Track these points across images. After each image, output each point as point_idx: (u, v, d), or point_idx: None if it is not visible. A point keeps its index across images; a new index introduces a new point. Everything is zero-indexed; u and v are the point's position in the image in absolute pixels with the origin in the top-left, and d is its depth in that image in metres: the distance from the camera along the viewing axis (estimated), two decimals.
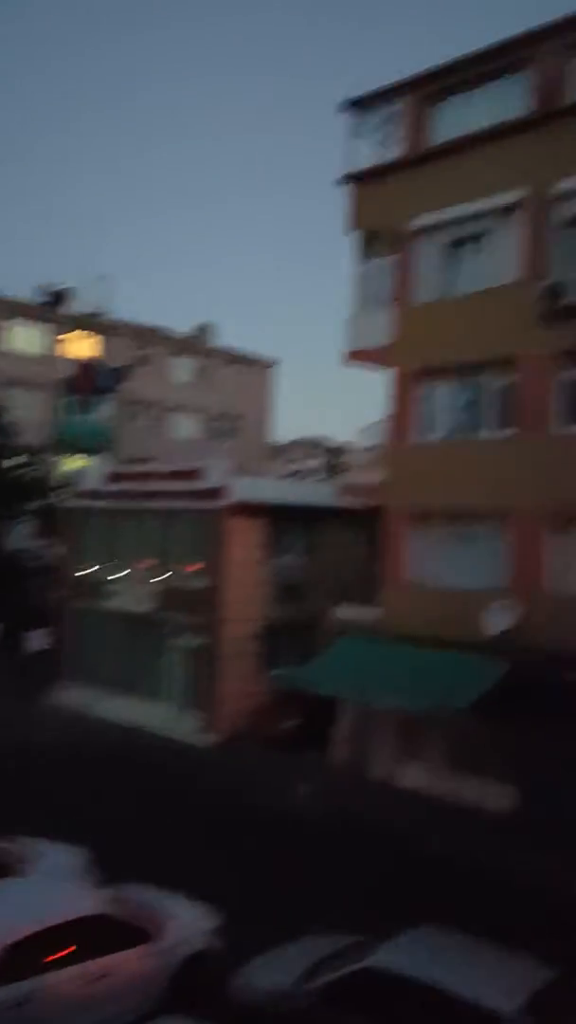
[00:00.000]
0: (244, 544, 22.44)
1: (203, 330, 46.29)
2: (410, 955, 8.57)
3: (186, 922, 9.95)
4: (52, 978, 8.44)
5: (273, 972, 9.24)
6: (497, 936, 9.36)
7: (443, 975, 8.09)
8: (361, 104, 20.25)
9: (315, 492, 26.68)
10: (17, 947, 8.31)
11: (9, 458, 32.16)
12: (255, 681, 22.22)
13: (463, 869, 13.71)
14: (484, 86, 18.61)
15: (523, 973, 8.39)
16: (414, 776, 18.05)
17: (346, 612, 19.40)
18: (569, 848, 13.74)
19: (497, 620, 16.24)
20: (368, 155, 20.42)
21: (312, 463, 46.38)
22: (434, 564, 18.15)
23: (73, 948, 8.67)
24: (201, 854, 13.64)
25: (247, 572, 22.37)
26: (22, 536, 33.77)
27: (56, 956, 8.55)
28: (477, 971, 8.33)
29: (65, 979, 8.52)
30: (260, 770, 19.10)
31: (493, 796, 16.51)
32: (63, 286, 42.07)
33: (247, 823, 15.47)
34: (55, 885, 10.12)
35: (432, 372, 18.67)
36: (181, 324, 46.98)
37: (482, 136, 17.98)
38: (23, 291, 40.61)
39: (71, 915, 8.90)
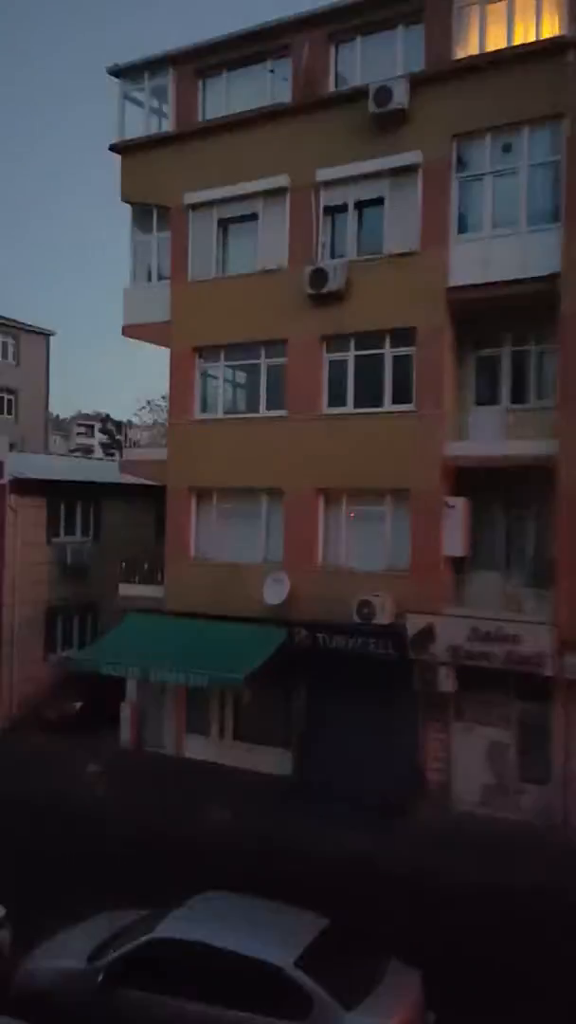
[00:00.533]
0: (25, 523, 21.87)
1: None
2: (194, 921, 8.99)
3: None
4: None
5: (60, 954, 9.36)
6: (276, 894, 10.00)
7: (225, 937, 8.57)
8: (130, 72, 19.86)
9: (100, 469, 26.36)
10: None
11: None
12: (40, 664, 21.96)
13: (241, 834, 14.30)
14: (250, 68, 18.84)
15: (300, 927, 9.04)
16: (200, 748, 18.80)
17: (131, 590, 19.56)
18: (335, 806, 14.91)
19: (273, 592, 17.18)
20: (139, 124, 20.14)
21: (96, 439, 45.41)
22: (216, 539, 18.75)
23: None
24: None
25: (29, 552, 21.87)
26: None
27: None
28: (258, 929, 8.89)
29: None
30: (45, 753, 18.94)
31: (273, 762, 17.63)
32: None
33: (29, 809, 15.28)
34: None
35: (209, 350, 19.03)
36: None
37: (249, 118, 18.25)
38: None
39: None
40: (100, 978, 8.71)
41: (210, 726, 18.97)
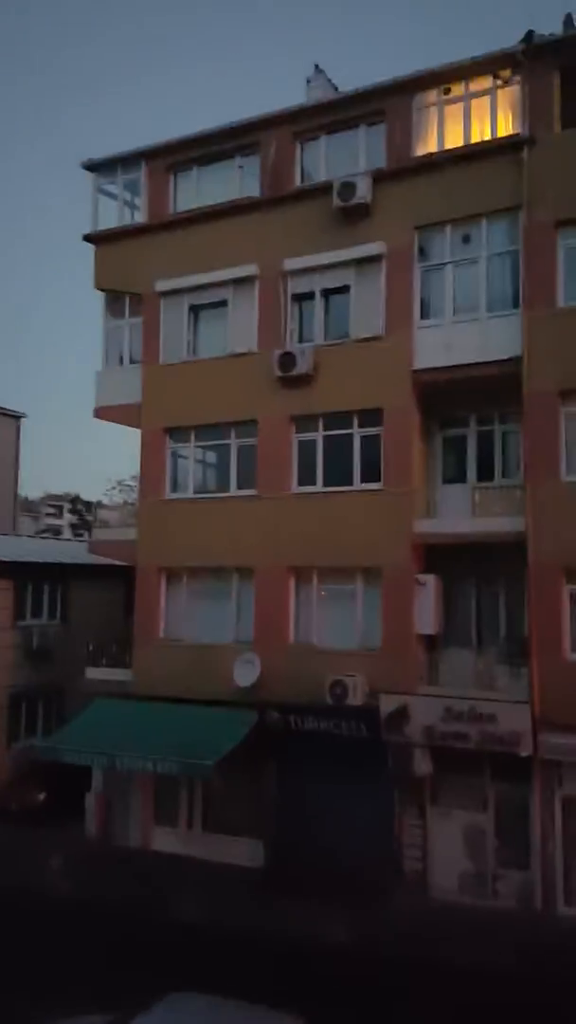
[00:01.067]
0: None
1: None
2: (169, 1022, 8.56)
3: None
4: None
5: None
6: (249, 993, 9.60)
7: None
8: (104, 167, 20.61)
9: (67, 550, 26.12)
10: None
11: None
12: (2, 753, 21.21)
13: (212, 931, 13.78)
14: (220, 163, 19.67)
15: None
16: (168, 840, 18.10)
17: (99, 673, 19.09)
18: (309, 897, 14.39)
19: (244, 673, 16.89)
20: (113, 216, 20.80)
21: (65, 520, 45.25)
22: (186, 620, 18.50)
23: None
24: None
25: None
26: None
27: None
28: None
29: None
30: (7, 847, 18.11)
31: (244, 853, 17.01)
32: None
33: None
34: None
35: (180, 431, 19.21)
36: None
37: (219, 211, 18.97)
38: None
39: None
40: None
41: (178, 817, 18.29)
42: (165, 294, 19.46)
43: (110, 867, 17.00)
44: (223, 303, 18.90)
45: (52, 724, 22.11)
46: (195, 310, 19.37)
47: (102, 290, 20.50)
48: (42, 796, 19.77)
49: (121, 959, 12.58)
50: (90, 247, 20.57)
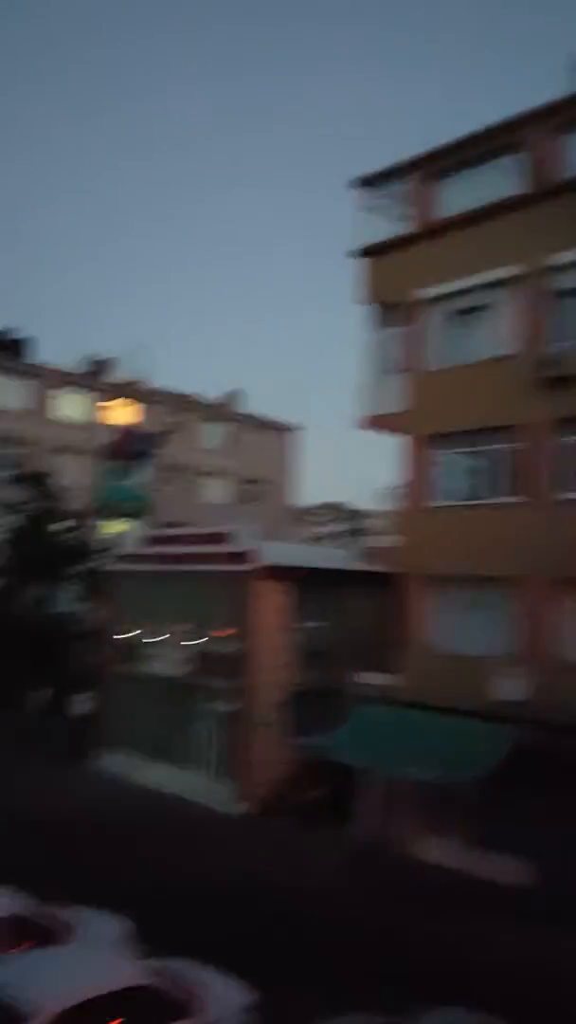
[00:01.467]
0: (272, 608, 22.90)
1: (232, 397, 47.65)
2: None
3: (224, 998, 10.00)
4: None
5: None
6: (513, 1016, 9.45)
7: None
8: (370, 181, 21.27)
9: (337, 556, 27.09)
10: (63, 1017, 8.41)
11: (54, 522, 33.44)
12: (283, 749, 22.43)
13: (474, 951, 13.67)
14: (484, 164, 19.43)
15: None
16: (435, 851, 18.01)
17: (367, 678, 19.64)
18: None
19: (508, 688, 16.44)
20: (378, 229, 21.38)
21: (334, 527, 46.96)
22: (449, 629, 18.46)
23: (118, 1018, 8.73)
24: (232, 928, 13.88)
25: (275, 637, 22.79)
26: (67, 600, 34.85)
27: None
28: None
29: None
30: (287, 844, 19.24)
31: (509, 872, 16.50)
32: (104, 356, 43.99)
33: (272, 899, 15.57)
34: (100, 955, 10.28)
35: (443, 438, 19.22)
36: (212, 391, 48.43)
37: (482, 212, 18.76)
38: (66, 360, 42.60)
39: (116, 986, 9.02)
40: None
41: (446, 829, 18.18)
42: (429, 301, 19.61)
43: (375, 877, 17.25)
44: (486, 306, 18.62)
45: (325, 724, 23.01)
46: (458, 315, 19.30)
47: (368, 303, 21.11)
48: (319, 794, 20.70)
49: (387, 966, 12.89)
50: (352, 261, 21.25)
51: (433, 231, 19.87)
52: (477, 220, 18.88)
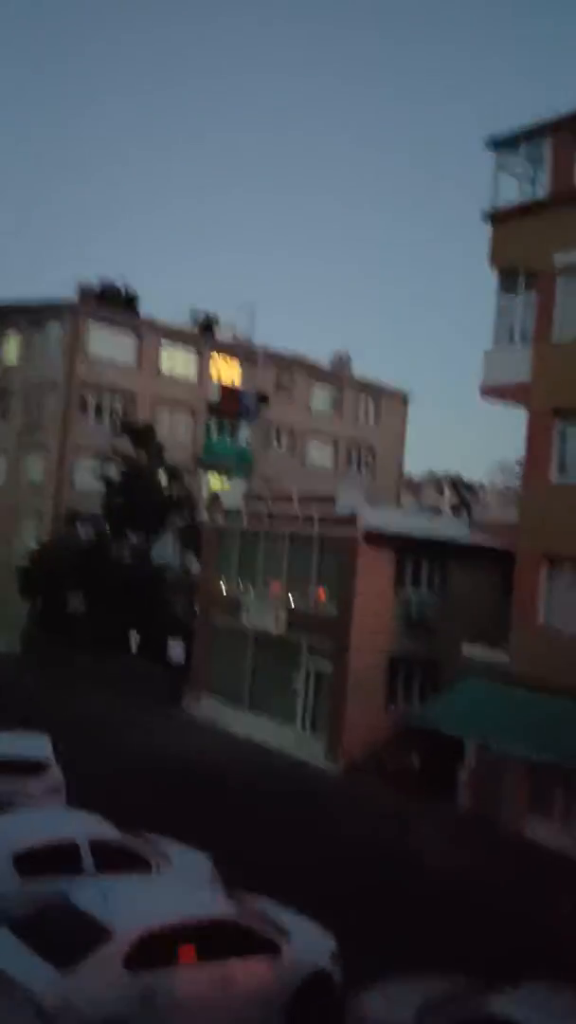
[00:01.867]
0: (374, 573, 22.80)
1: (340, 359, 47.18)
2: (532, 1008, 8.51)
3: (309, 940, 10.15)
4: (180, 974, 8.76)
5: (389, 1005, 9.32)
6: None
7: None
8: (506, 142, 20.51)
9: (448, 527, 26.69)
10: (149, 938, 8.66)
11: (158, 476, 34.12)
12: (380, 712, 22.47)
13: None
14: None
15: None
16: (542, 831, 17.72)
17: (474, 651, 19.36)
18: None
19: None
20: (512, 192, 20.66)
21: (445, 498, 46.16)
22: (568, 611, 17.92)
23: (203, 948, 8.96)
24: (326, 883, 13.94)
25: (376, 602, 22.70)
26: (167, 551, 35.66)
27: (186, 953, 8.86)
28: None
29: (193, 977, 8.83)
30: (382, 806, 19.25)
31: None
32: (212, 313, 44.18)
33: (370, 860, 15.63)
34: (188, 886, 10.56)
35: (571, 412, 18.55)
36: (320, 353, 47.98)
37: None
38: (175, 316, 42.99)
39: (204, 916, 9.26)
40: None
41: (554, 808, 17.81)
42: (563, 269, 18.84)
43: (478, 845, 17.21)
44: None
45: (425, 694, 22.96)
46: None
47: (498, 267, 20.47)
48: (417, 762, 20.65)
49: (482, 932, 12.83)
50: (484, 225, 20.61)
51: (571, 196, 19.01)
52: None
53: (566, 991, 9.17)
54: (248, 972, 9.30)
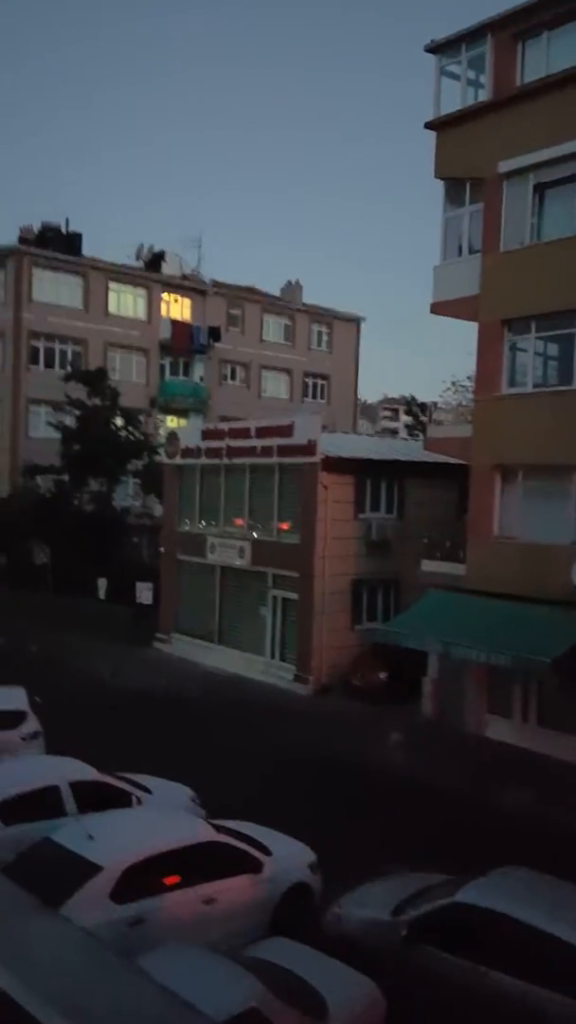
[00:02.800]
0: (334, 499, 22.91)
1: (291, 288, 46.38)
2: (500, 892, 8.89)
3: (288, 855, 10.52)
4: (166, 899, 9.06)
5: (365, 905, 9.74)
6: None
7: (534, 913, 8.39)
8: (447, 46, 19.83)
9: (403, 448, 26.81)
10: (134, 869, 8.94)
11: (113, 420, 33.57)
12: (346, 633, 22.93)
13: (546, 821, 14.00)
14: (570, 25, 17.88)
15: None
16: (502, 730, 18.44)
17: (433, 566, 19.68)
18: None
19: None
20: (455, 99, 20.06)
21: (401, 421, 46.26)
22: (521, 519, 18.18)
23: (186, 872, 9.27)
24: (296, 796, 14.39)
25: (337, 527, 22.88)
26: (127, 494, 35.37)
27: (170, 879, 9.18)
28: (568, 912, 8.58)
29: (178, 901, 9.13)
30: (351, 719, 19.86)
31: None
32: (158, 249, 42.93)
33: (337, 770, 16.16)
34: (168, 816, 10.81)
35: (519, 322, 18.46)
36: (270, 283, 47.17)
37: (571, 75, 17.37)
38: (120, 255, 41.71)
39: (184, 842, 9.52)
40: (403, 932, 8.96)
41: (513, 708, 18.54)
42: (509, 175, 18.49)
43: (443, 748, 17.89)
44: (573, 178, 17.47)
45: (390, 611, 23.40)
46: (541, 189, 18.19)
47: (443, 178, 20.03)
48: (383, 676, 21.20)
49: (453, 832, 13.30)
50: (430, 136, 20.09)
51: (514, 98, 18.52)
52: (562, 85, 17.48)
53: (530, 875, 9.56)
54: (231, 890, 9.63)
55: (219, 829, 10.29)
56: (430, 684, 19.91)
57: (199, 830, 10.06)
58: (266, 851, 10.33)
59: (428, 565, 19.96)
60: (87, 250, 40.30)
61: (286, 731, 18.78)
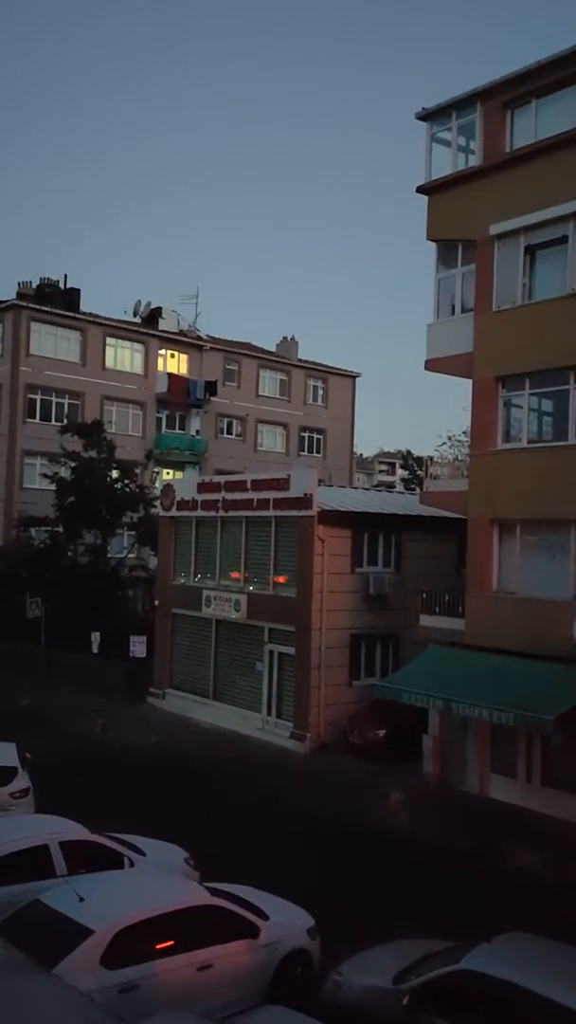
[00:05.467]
0: (331, 553, 22.87)
1: (287, 344, 47.08)
2: (503, 959, 8.64)
3: (286, 920, 10.24)
4: (159, 965, 8.77)
5: (366, 972, 9.44)
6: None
7: (541, 980, 8.14)
8: (438, 114, 20.51)
9: (400, 502, 26.88)
10: (126, 933, 8.68)
11: (109, 472, 33.65)
12: (344, 689, 22.65)
13: (551, 885, 13.71)
14: (560, 92, 18.54)
15: None
16: (506, 790, 18.10)
17: (432, 621, 19.56)
18: None
19: None
20: (446, 164, 20.67)
21: (397, 475, 46.63)
22: (520, 573, 18.16)
23: (180, 937, 8.99)
24: (295, 858, 14.08)
25: (334, 581, 22.79)
26: (122, 547, 35.27)
27: (164, 944, 8.89)
28: (572, 977, 8.35)
29: (172, 966, 8.83)
30: (350, 778, 19.46)
31: None
32: (155, 305, 43.66)
33: (337, 831, 15.79)
34: (162, 876, 10.54)
35: (513, 378, 18.72)
36: (266, 339, 47.93)
37: (559, 141, 17.94)
38: (118, 311, 42.40)
39: (178, 905, 9.27)
40: (406, 1000, 8.68)
41: (516, 767, 18.22)
42: (500, 237, 18.95)
43: (446, 808, 17.51)
44: (563, 239, 17.93)
45: (389, 666, 23.17)
46: (531, 251, 18.63)
47: (435, 240, 20.52)
48: (382, 733, 20.85)
49: (458, 892, 12.99)
50: (422, 199, 20.66)
51: (504, 163, 19.10)
52: (551, 150, 18.07)
53: (537, 941, 9.31)
54: (227, 956, 9.38)
55: (214, 892, 10.10)
56: (431, 742, 19.59)
57: (194, 893, 9.84)
58: (263, 915, 10.09)
59: (427, 620, 19.85)
60: (85, 305, 41.02)
61: (283, 790, 18.43)
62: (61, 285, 41.03)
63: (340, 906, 11.84)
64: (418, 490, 27.58)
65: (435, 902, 12.46)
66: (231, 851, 13.64)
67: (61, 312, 39.01)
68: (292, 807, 17.10)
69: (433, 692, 17.62)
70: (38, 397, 38.04)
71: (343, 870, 13.87)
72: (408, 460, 50.45)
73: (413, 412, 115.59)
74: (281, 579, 23.80)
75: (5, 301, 38.27)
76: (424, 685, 17.95)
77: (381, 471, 60.30)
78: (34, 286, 40.11)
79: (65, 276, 41.21)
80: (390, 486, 57.49)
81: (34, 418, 37.70)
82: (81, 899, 8.99)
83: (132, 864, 11.21)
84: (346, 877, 13.55)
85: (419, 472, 36.95)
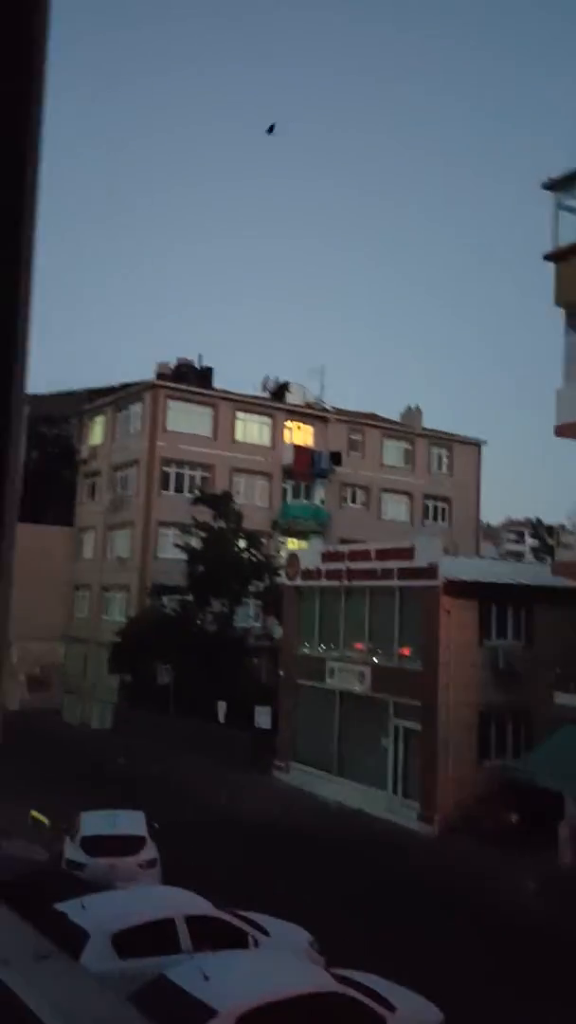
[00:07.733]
0: (457, 624, 22.29)
1: (411, 413, 47.15)
2: None
3: (414, 1012, 9.76)
4: None
5: None
6: None
7: None
8: (563, 183, 20.53)
9: (530, 572, 25.99)
10: (250, 1016, 8.44)
11: (237, 542, 34.40)
12: (473, 769, 21.74)
13: None
14: None
15: None
16: None
17: (567, 699, 18.57)
18: None
19: None
20: (573, 230, 20.57)
21: (526, 544, 45.20)
22: None
23: (305, 1022, 8.67)
24: (428, 949, 13.43)
25: (461, 654, 22.12)
26: (248, 616, 35.71)
27: None
28: None
29: None
30: (484, 865, 18.47)
31: None
32: (283, 380, 44.94)
33: (472, 921, 15.02)
34: (287, 960, 10.31)
35: None
36: (390, 410, 48.16)
37: None
38: (247, 386, 43.93)
39: (302, 990, 9.00)
40: None
41: None
42: None
43: None
44: None
45: (520, 746, 22.09)
46: None
47: (565, 305, 20.27)
48: (514, 818, 19.77)
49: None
50: (549, 266, 20.56)
51: None
52: None
53: None
54: None
55: (339, 979, 9.75)
56: (567, 829, 18.38)
57: (319, 978, 9.53)
58: (390, 1007, 9.64)
59: (562, 697, 18.88)
60: (217, 383, 42.73)
61: (411, 876, 17.67)
62: (195, 364, 42.97)
63: (473, 1003, 11.15)
64: (549, 560, 26.61)
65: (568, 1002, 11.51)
66: (354, 937, 13.13)
67: (195, 389, 40.79)
68: (420, 894, 16.34)
69: (571, 775, 16.62)
70: (172, 470, 39.58)
71: (473, 964, 13.08)
72: (538, 529, 48.82)
73: (542, 480, 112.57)
74: (406, 651, 23.35)
75: (144, 382, 40.46)
76: (560, 768, 16.99)
77: (509, 540, 58.63)
78: (171, 366, 42.23)
79: (199, 355, 43.20)
80: (519, 555, 55.78)
81: (168, 490, 39.21)
82: (206, 978, 8.87)
83: (256, 944, 11.01)
84: (477, 972, 12.77)
85: (550, 541, 35.68)
